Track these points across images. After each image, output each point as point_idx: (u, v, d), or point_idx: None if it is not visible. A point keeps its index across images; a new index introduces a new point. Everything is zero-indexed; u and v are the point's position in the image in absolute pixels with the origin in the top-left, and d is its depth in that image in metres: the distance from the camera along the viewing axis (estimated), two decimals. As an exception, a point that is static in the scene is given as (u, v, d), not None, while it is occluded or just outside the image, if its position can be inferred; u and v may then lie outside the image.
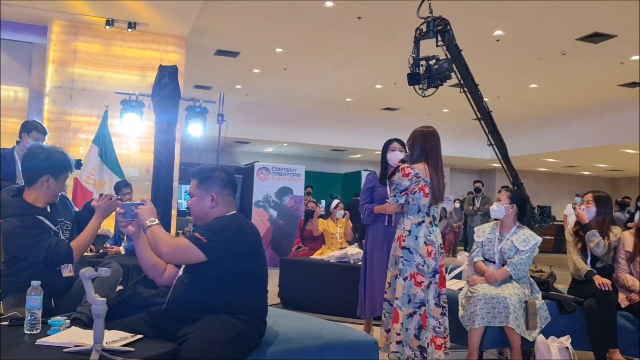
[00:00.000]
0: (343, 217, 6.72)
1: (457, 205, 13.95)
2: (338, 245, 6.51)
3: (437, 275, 3.35)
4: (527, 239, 3.73)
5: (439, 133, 3.54)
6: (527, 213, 4.21)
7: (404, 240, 3.37)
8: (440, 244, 3.43)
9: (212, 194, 2.36)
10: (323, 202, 7.79)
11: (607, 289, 3.62)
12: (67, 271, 2.71)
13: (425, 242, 3.34)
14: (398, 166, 3.50)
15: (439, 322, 3.31)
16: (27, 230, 2.57)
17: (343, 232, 6.67)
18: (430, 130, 3.50)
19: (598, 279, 3.69)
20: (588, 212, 3.91)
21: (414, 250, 3.33)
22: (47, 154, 2.72)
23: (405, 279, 3.31)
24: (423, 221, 3.38)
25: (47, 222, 2.67)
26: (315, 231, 6.73)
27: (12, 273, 2.62)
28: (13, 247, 2.60)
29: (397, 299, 3.32)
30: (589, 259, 3.90)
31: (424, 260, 3.32)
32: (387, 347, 3.34)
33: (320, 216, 6.85)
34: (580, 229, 3.94)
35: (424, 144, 3.45)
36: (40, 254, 2.56)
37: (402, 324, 3.28)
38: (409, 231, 3.37)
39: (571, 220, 8.63)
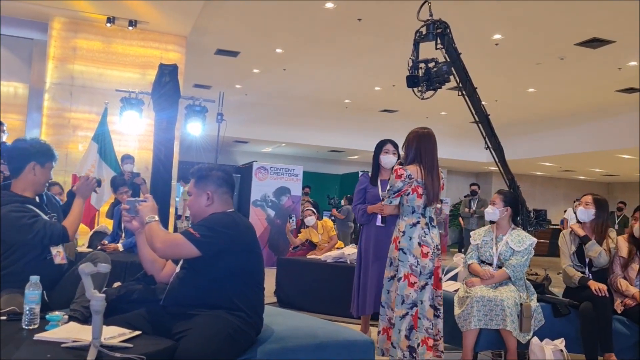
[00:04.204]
0: (318, 220, 6.75)
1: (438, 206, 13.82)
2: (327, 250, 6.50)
3: (433, 277, 3.37)
4: (522, 240, 3.75)
5: (436, 135, 3.56)
6: (521, 214, 4.23)
7: (399, 242, 3.40)
8: (437, 245, 3.44)
9: (207, 192, 2.40)
10: (293, 217, 7.90)
11: (603, 294, 3.62)
12: (59, 258, 2.75)
13: (419, 243, 3.36)
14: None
15: (432, 323, 3.32)
16: (21, 213, 2.64)
17: (327, 237, 6.63)
18: (426, 132, 3.51)
19: (594, 284, 3.68)
20: (587, 213, 3.90)
21: (407, 251, 3.36)
22: (31, 144, 2.84)
23: (399, 279, 3.33)
24: (418, 222, 3.40)
25: (37, 210, 2.74)
26: (293, 242, 6.86)
27: (9, 265, 2.64)
28: (9, 233, 2.63)
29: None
30: (587, 264, 3.89)
31: (418, 261, 3.33)
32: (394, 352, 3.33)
33: (301, 227, 6.95)
34: (580, 240, 3.91)
35: (419, 146, 3.46)
36: (38, 233, 2.63)
37: (394, 324, 3.30)
38: (403, 232, 3.39)
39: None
